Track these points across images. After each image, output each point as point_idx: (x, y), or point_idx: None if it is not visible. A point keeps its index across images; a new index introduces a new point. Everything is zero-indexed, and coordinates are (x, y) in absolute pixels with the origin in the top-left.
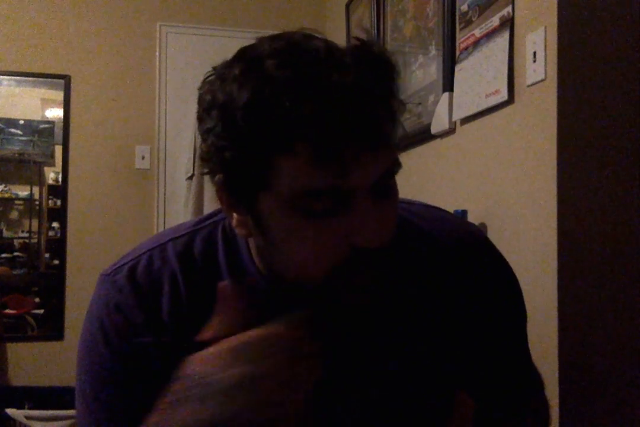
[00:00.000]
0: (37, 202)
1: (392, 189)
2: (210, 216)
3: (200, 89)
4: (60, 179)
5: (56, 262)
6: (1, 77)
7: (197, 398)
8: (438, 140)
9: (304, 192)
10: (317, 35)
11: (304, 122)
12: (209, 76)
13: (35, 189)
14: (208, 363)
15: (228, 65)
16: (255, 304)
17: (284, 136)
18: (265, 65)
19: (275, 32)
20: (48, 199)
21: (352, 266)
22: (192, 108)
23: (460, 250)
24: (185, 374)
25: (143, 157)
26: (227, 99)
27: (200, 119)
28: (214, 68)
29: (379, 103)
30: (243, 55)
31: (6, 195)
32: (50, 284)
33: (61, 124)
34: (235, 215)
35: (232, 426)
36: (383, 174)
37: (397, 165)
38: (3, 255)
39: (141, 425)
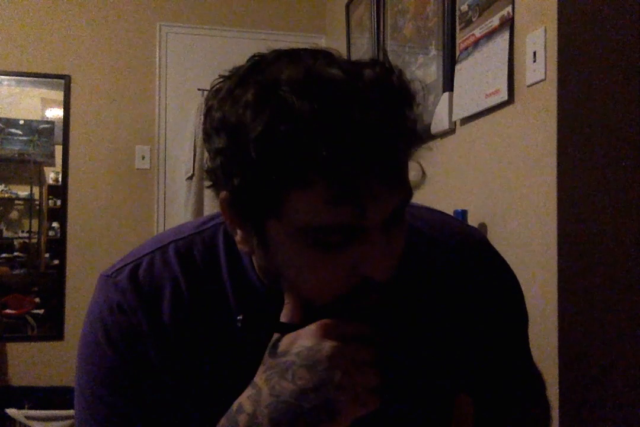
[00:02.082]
0: (37, 202)
1: (402, 217)
2: (212, 218)
3: (207, 99)
4: (60, 179)
5: (56, 262)
6: (1, 77)
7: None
8: (438, 140)
9: (317, 227)
10: (335, 55)
11: (321, 161)
12: (217, 84)
13: (35, 189)
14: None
15: (241, 81)
16: None
17: (298, 173)
18: (281, 94)
19: (276, 32)
20: (48, 199)
21: (358, 291)
22: (192, 108)
23: (462, 253)
24: (282, 351)
25: (143, 157)
26: (239, 125)
27: (207, 134)
28: (224, 76)
29: (398, 141)
30: (257, 73)
31: (6, 196)
32: (50, 284)
33: (61, 124)
34: (239, 232)
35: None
36: (397, 207)
37: (410, 196)
38: (3, 255)
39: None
